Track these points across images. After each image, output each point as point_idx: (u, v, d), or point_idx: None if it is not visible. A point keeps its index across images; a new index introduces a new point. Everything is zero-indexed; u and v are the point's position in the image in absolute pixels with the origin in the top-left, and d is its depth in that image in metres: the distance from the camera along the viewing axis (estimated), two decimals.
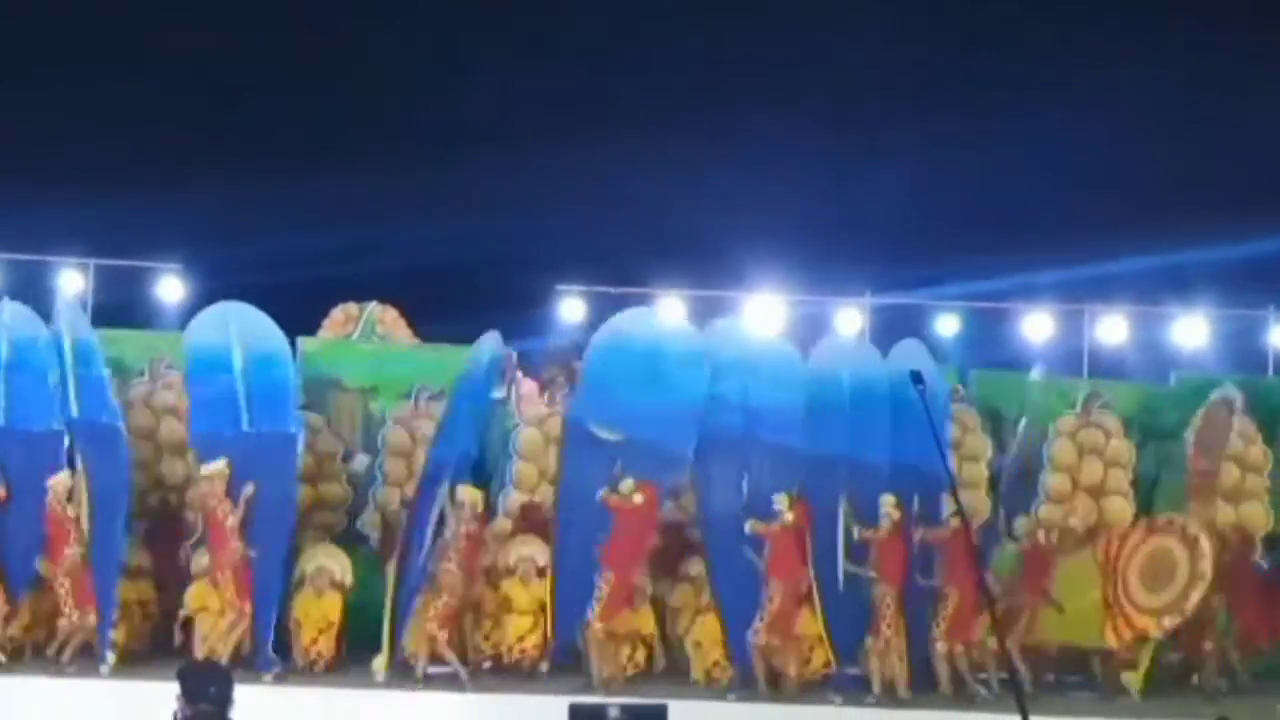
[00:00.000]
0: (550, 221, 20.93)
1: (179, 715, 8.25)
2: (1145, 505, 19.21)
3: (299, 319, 20.36)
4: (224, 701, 8.31)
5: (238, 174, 21.28)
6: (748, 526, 17.12)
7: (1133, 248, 20.29)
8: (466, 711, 16.33)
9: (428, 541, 17.09)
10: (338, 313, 20.49)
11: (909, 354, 17.61)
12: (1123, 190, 21.36)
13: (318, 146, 22.41)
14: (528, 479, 19.03)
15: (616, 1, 22.84)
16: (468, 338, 19.80)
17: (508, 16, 22.72)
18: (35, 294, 19.82)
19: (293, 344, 19.75)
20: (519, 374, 19.56)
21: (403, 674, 16.90)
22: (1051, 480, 19.26)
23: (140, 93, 22.21)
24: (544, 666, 17.46)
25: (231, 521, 16.76)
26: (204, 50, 22.35)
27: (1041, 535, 18.18)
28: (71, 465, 17.35)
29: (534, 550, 17.67)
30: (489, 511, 18.14)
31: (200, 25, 22.43)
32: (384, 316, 20.67)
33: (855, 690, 17.00)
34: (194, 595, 17.07)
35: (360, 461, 19.23)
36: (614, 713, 13.61)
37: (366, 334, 20.60)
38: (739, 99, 22.71)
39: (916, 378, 10.27)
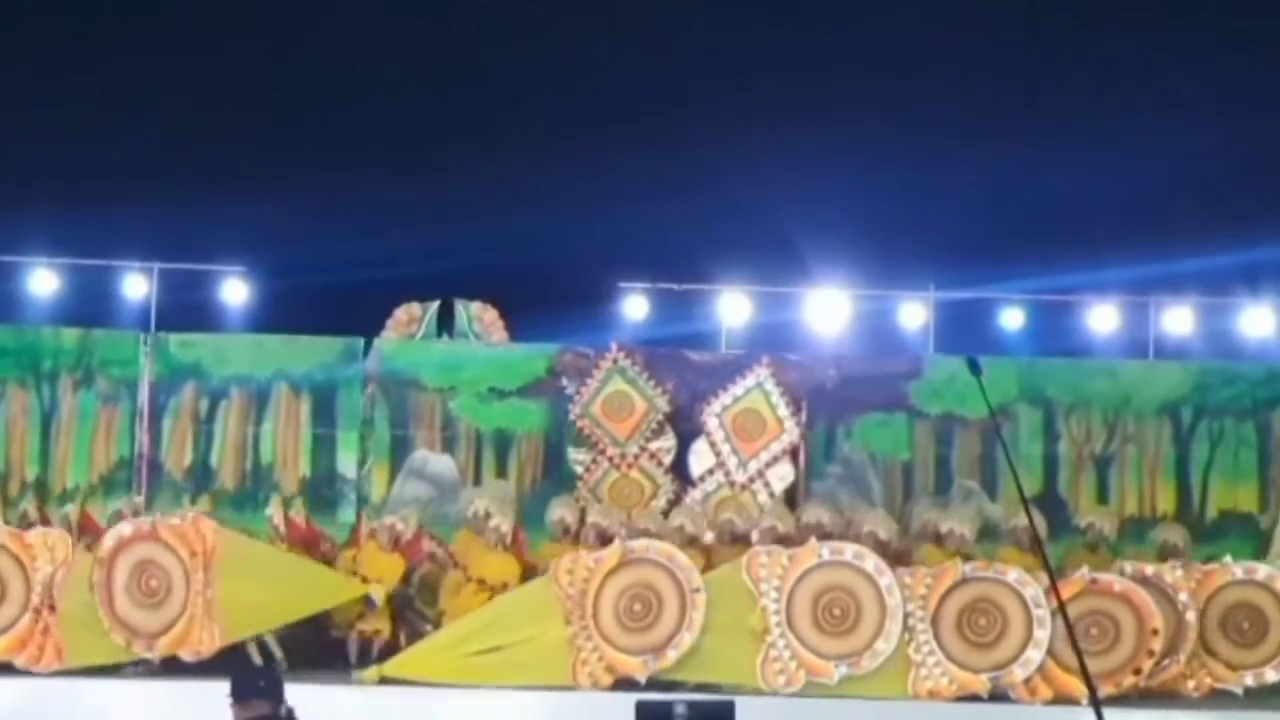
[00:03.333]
0: (614, 219, 20.89)
1: None
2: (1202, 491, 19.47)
3: (369, 320, 20.65)
4: (277, 696, 8.35)
5: (305, 175, 21.33)
6: None
7: (1199, 239, 20.11)
8: (531, 706, 16.33)
9: None
10: (401, 313, 20.53)
11: None
12: (1189, 182, 21.15)
13: (384, 150, 22.46)
14: None
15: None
16: (536, 336, 20.07)
17: (575, 20, 22.73)
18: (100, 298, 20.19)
19: (366, 345, 20.10)
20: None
21: None
22: None
23: (203, 95, 22.29)
24: None
25: None
26: (268, 54, 22.40)
27: None
28: None
29: None
30: None
31: (268, 29, 22.49)
32: (483, 315, 20.60)
33: None
34: None
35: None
36: (680, 709, 13.64)
37: (465, 331, 20.62)
38: (803, 96, 22.62)
39: (974, 365, 10.03)
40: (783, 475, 19.80)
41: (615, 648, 16.13)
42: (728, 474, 19.74)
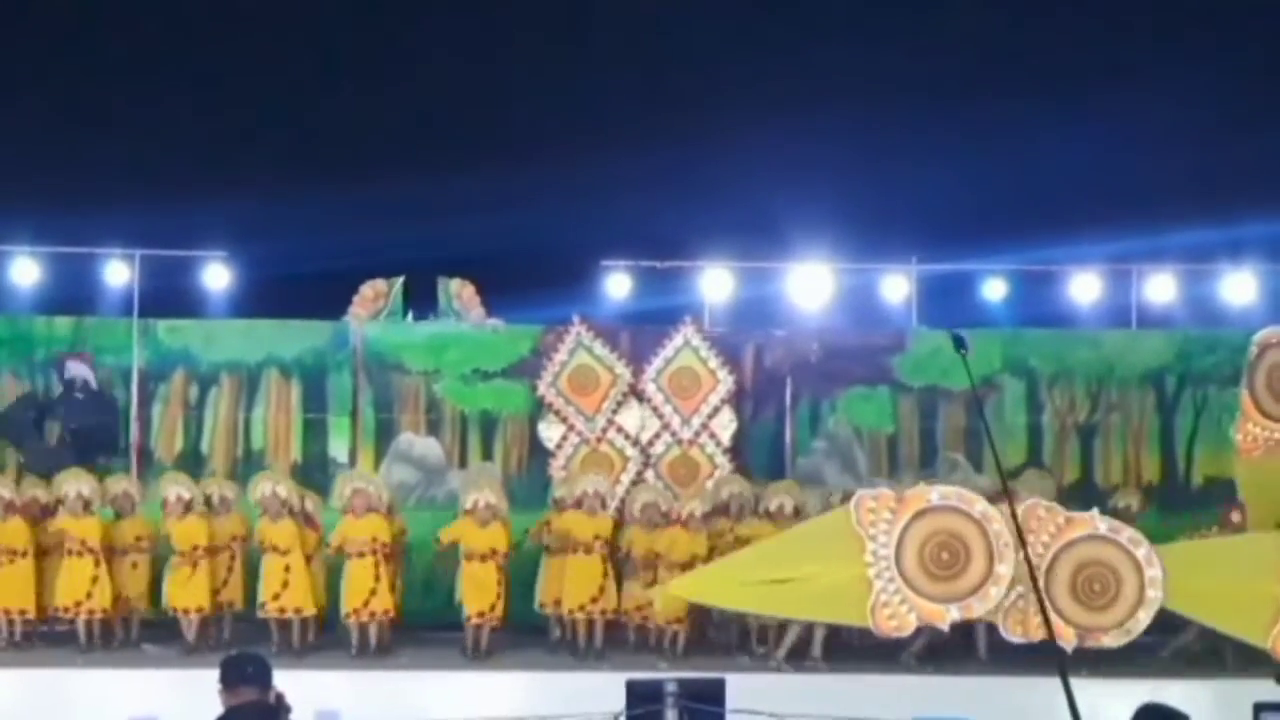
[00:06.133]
0: (596, 199, 20.94)
1: (225, 709, 8.34)
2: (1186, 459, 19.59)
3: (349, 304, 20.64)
4: (265, 682, 8.40)
5: (291, 165, 21.42)
6: None
7: (1180, 209, 20.18)
8: (522, 687, 16.43)
9: None
10: (366, 289, 20.49)
11: None
12: (1170, 153, 21.20)
13: (368, 141, 22.53)
14: None
15: None
16: (520, 317, 20.11)
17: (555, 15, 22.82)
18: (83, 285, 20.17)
19: (347, 331, 20.14)
20: None
21: None
22: None
23: (191, 87, 22.33)
24: None
25: None
26: (253, 48, 22.39)
27: None
28: None
29: None
30: None
31: (253, 24, 22.49)
32: (461, 292, 20.60)
33: None
34: None
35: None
36: (671, 688, 13.70)
37: (446, 308, 20.64)
38: (781, 71, 22.65)
39: (959, 342, 10.03)
40: (725, 424, 19.97)
41: (920, 594, 16.14)
42: (674, 433, 19.90)
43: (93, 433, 19.71)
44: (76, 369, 19.68)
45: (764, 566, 16.34)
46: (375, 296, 20.54)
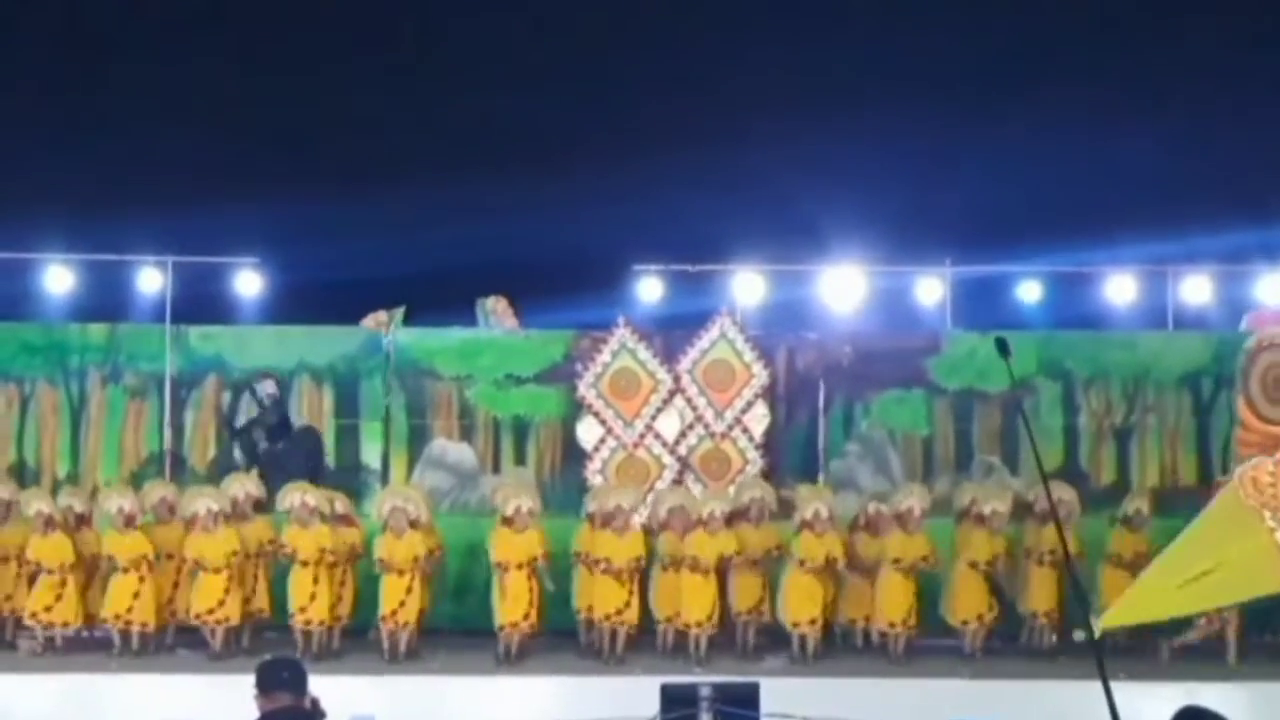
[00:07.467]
0: (628, 202, 20.91)
1: (261, 714, 8.33)
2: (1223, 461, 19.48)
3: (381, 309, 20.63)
4: (301, 688, 8.40)
5: (321, 170, 21.43)
6: None
7: (1215, 208, 20.06)
8: (555, 692, 16.39)
9: None
10: (368, 321, 20.41)
11: None
12: (1205, 153, 21.09)
13: (399, 147, 22.55)
14: None
15: None
16: (551, 321, 20.06)
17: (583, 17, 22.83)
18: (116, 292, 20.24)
19: (379, 337, 20.14)
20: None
21: None
22: None
23: (219, 94, 22.38)
24: None
25: None
26: (286, 55, 22.44)
27: None
28: None
29: None
30: None
31: (285, 32, 22.54)
32: (496, 307, 20.63)
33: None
34: None
35: None
36: (705, 692, 13.63)
37: (484, 321, 20.63)
38: (814, 73, 22.62)
39: (1002, 347, 9.79)
40: (759, 418, 19.86)
41: None
42: (707, 426, 19.82)
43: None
44: (265, 387, 19.81)
45: (1185, 566, 16.07)
46: (376, 327, 20.48)
